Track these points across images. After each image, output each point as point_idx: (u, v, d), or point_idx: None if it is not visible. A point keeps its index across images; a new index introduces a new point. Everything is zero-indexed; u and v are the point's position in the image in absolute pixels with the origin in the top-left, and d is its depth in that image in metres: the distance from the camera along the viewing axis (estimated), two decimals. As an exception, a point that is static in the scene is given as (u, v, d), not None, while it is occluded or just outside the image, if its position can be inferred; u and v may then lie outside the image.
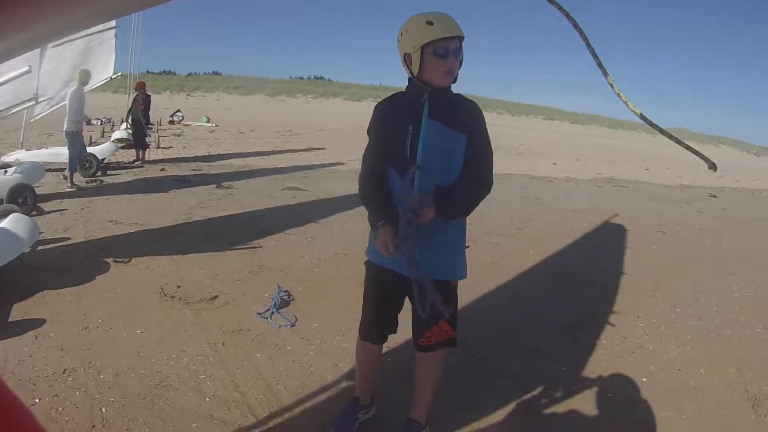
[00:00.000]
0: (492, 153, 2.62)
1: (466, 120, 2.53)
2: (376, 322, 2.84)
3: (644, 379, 3.94)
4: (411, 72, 2.47)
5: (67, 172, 9.46)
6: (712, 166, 2.06)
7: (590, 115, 68.35)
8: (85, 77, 9.77)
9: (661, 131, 2.11)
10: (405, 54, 2.46)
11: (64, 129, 9.59)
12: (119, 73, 12.84)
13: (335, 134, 23.20)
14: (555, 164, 19.90)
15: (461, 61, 2.48)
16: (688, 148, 2.04)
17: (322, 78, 68.98)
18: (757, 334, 5.01)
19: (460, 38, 2.45)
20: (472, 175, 2.54)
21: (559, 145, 30.20)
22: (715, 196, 15.84)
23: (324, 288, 5.16)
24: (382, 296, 2.77)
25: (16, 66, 5.24)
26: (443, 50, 2.38)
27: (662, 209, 12.17)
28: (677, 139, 2.08)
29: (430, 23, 2.37)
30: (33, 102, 8.29)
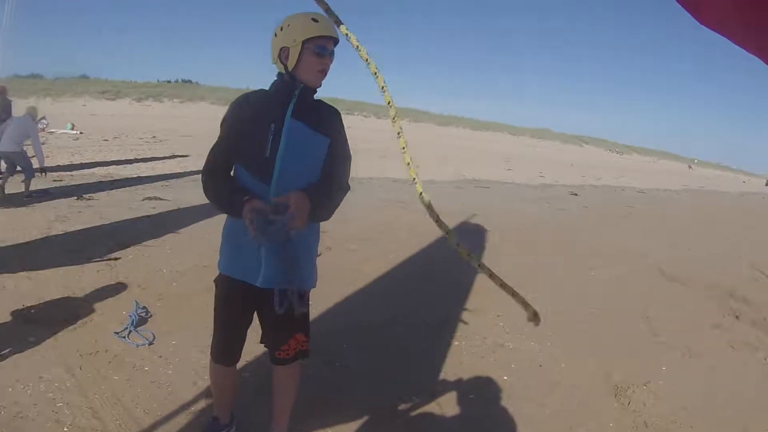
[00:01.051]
0: (350, 159, 2.64)
1: (329, 124, 2.53)
2: (228, 343, 2.74)
3: (505, 378, 4.15)
4: (286, 67, 2.43)
5: None
6: (533, 318, 2.02)
7: (454, 116, 70.45)
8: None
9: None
10: (282, 48, 2.42)
11: None
12: None
13: (200, 140, 22.02)
14: (418, 166, 20.44)
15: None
16: (513, 294, 2.04)
17: (189, 81, 66.44)
18: (615, 326, 5.42)
19: (336, 41, 2.46)
20: (333, 180, 2.52)
21: (422, 147, 30.95)
22: (576, 194, 17.00)
23: (183, 302, 5.10)
24: (233, 312, 2.67)
25: None
26: (322, 49, 2.38)
27: (524, 208, 12.79)
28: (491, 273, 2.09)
29: (315, 20, 2.38)
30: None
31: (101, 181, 11.97)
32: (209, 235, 7.35)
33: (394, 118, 2.05)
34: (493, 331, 5.04)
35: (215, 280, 2.70)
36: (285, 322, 2.57)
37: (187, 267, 6.10)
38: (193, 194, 10.51)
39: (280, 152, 2.37)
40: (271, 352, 2.74)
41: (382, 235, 8.50)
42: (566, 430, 3.54)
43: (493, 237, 9.19)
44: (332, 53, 2.45)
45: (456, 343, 4.73)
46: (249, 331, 2.78)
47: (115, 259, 6.22)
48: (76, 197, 9.70)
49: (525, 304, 2.00)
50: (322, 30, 2.38)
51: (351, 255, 7.26)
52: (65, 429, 3.13)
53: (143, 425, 3.23)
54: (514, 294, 2.01)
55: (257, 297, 2.54)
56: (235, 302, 2.64)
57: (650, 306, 6.26)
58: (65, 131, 24.34)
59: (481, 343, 4.77)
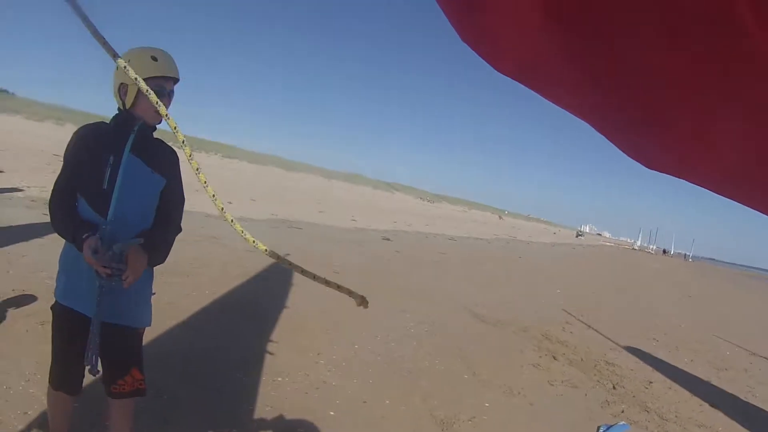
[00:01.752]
0: (184, 201, 2.68)
1: (165, 164, 2.54)
2: (68, 371, 2.62)
3: (332, 413, 4.20)
4: (123, 104, 2.43)
5: None
6: (362, 302, 2.07)
7: (268, 155, 70.31)
8: None
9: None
10: (121, 84, 2.41)
11: None
12: None
13: (16, 156, 20.38)
14: (230, 203, 20.24)
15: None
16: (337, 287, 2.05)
17: (6, 91, 58.90)
18: (436, 364, 5.69)
19: (176, 80, 2.47)
20: (168, 221, 2.57)
21: (235, 184, 30.36)
22: (388, 239, 17.63)
23: (1, 330, 4.65)
24: (71, 341, 2.53)
25: None
26: (160, 89, 2.34)
27: (336, 250, 12.95)
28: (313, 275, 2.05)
29: (154, 59, 2.37)
30: None
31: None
32: (27, 258, 6.71)
33: (190, 156, 2.00)
34: (315, 368, 5.07)
35: (52, 308, 2.59)
36: (122, 357, 2.61)
37: (5, 291, 5.46)
38: (8, 213, 9.28)
39: (117, 185, 2.36)
40: (106, 386, 2.64)
41: (198, 270, 8.23)
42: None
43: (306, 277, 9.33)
44: (171, 93, 2.47)
45: (279, 379, 4.73)
46: None
47: None
48: None
49: (350, 293, 2.05)
50: (160, 70, 2.39)
51: (169, 288, 6.95)
52: None
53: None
54: (339, 287, 2.04)
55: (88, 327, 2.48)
56: (72, 332, 2.53)
57: (466, 346, 6.67)
58: None
59: (303, 379, 4.79)
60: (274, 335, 5.85)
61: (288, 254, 10.38)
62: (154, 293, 2.77)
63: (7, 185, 12.95)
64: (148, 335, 5.11)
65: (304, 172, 59.87)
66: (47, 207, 2.50)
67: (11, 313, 5.01)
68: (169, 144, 2.68)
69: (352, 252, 13.36)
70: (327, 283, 2.04)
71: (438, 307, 8.48)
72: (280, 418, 4.00)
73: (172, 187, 2.58)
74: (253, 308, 6.74)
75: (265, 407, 4.14)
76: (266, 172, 53.11)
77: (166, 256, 2.59)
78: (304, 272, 2.07)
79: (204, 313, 6.28)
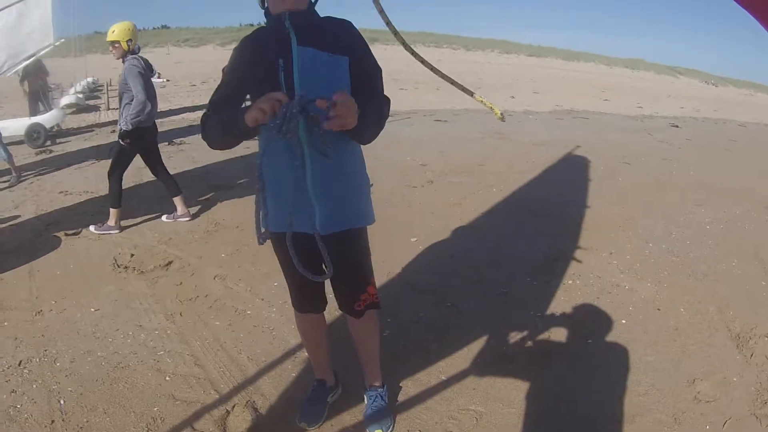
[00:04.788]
0: (381, 70, 2.34)
1: (343, 41, 2.23)
2: (305, 294, 2.60)
3: (624, 321, 3.86)
4: (261, 3, 2.26)
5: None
6: (501, 117, 2.02)
7: (546, 47, 67.90)
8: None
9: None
10: None
11: None
12: (61, 39, 11.88)
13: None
14: (513, 97, 19.70)
15: None
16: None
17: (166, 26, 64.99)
18: (733, 268, 4.95)
19: None
20: (368, 94, 2.21)
21: (516, 79, 29.93)
22: (677, 126, 15.89)
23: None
24: (300, 264, 2.27)
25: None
26: None
27: (625, 140, 12.05)
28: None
29: None
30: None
31: (191, 125, 12.02)
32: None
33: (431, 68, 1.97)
34: (607, 270, 4.74)
35: (270, 239, 2.41)
36: (353, 271, 2.50)
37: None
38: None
39: (295, 83, 2.11)
40: (347, 305, 2.60)
41: (482, 168, 8.19)
42: (689, 382, 3.22)
43: (597, 167, 8.66)
44: None
45: (569, 281, 4.48)
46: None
47: (211, 204, 6.20)
48: (167, 142, 9.72)
49: (492, 107, 2.02)
50: None
51: (454, 188, 7.03)
52: (167, 378, 3.12)
53: (247, 373, 3.18)
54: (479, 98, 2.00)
55: (315, 244, 2.24)
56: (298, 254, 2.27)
57: (763, 248, 5.60)
58: (152, 79, 24.51)
59: (595, 282, 4.49)
60: (563, 233, 5.60)
61: (578, 146, 9.97)
62: (372, 184, 2.55)
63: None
64: (434, 236, 5.24)
65: (584, 61, 57.19)
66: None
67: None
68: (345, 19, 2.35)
69: (642, 140, 12.35)
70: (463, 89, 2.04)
71: (733, 201, 7.33)
72: (569, 325, 3.75)
73: (359, 59, 2.24)
74: (540, 205, 6.49)
75: (553, 314, 3.92)
76: (546, 64, 52.07)
77: (381, 127, 2.28)
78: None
79: (490, 213, 6.19)
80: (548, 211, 6.21)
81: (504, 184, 7.23)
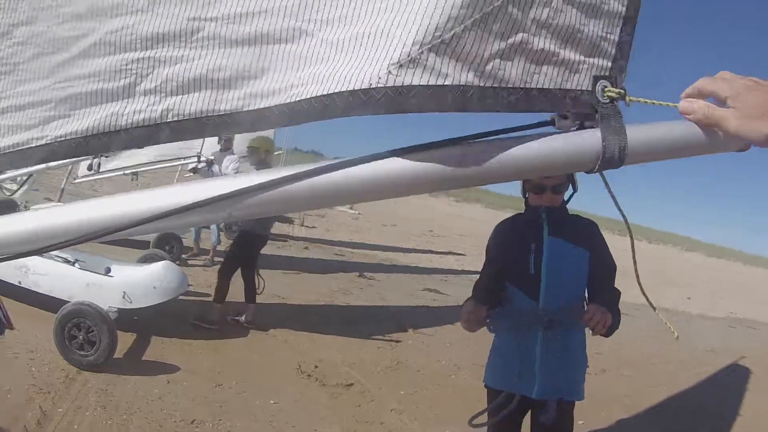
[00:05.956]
0: (616, 268, 2.63)
1: (586, 236, 2.61)
2: None
3: None
4: (523, 194, 2.66)
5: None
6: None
7: (725, 248, 65.00)
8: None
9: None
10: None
11: None
12: (282, 150, 12.99)
13: (475, 241, 22.61)
14: (689, 298, 18.20)
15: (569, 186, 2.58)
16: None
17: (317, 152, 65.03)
18: None
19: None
20: (603, 287, 2.56)
21: (695, 277, 27.75)
22: None
23: (459, 396, 4.85)
24: (510, 421, 2.63)
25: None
26: (539, 188, 2.52)
27: None
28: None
29: None
30: (195, 161, 7.37)
31: (381, 263, 12.58)
32: (488, 337, 6.97)
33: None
34: None
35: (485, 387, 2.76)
36: None
37: (466, 363, 5.85)
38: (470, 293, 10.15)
39: (543, 267, 2.47)
40: None
41: (655, 366, 7.63)
42: None
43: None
44: (556, 187, 2.52)
45: None
46: None
47: (396, 341, 6.32)
48: (357, 274, 10.23)
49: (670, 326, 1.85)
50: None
51: (625, 382, 6.58)
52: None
53: None
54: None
55: (526, 407, 2.58)
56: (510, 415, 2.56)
57: None
58: (344, 209, 25.71)
59: None
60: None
61: (743, 356, 8.89)
62: (588, 366, 2.70)
63: (470, 268, 13.71)
64: (598, 423, 4.85)
65: (764, 267, 52.69)
66: None
67: (469, 382, 5.11)
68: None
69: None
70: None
71: None
72: None
73: (598, 255, 2.59)
74: (717, 407, 6.00)
75: None
76: (724, 266, 48.67)
77: (619, 320, 2.47)
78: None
79: (658, 410, 5.78)
80: (725, 412, 5.77)
81: (673, 385, 6.72)
